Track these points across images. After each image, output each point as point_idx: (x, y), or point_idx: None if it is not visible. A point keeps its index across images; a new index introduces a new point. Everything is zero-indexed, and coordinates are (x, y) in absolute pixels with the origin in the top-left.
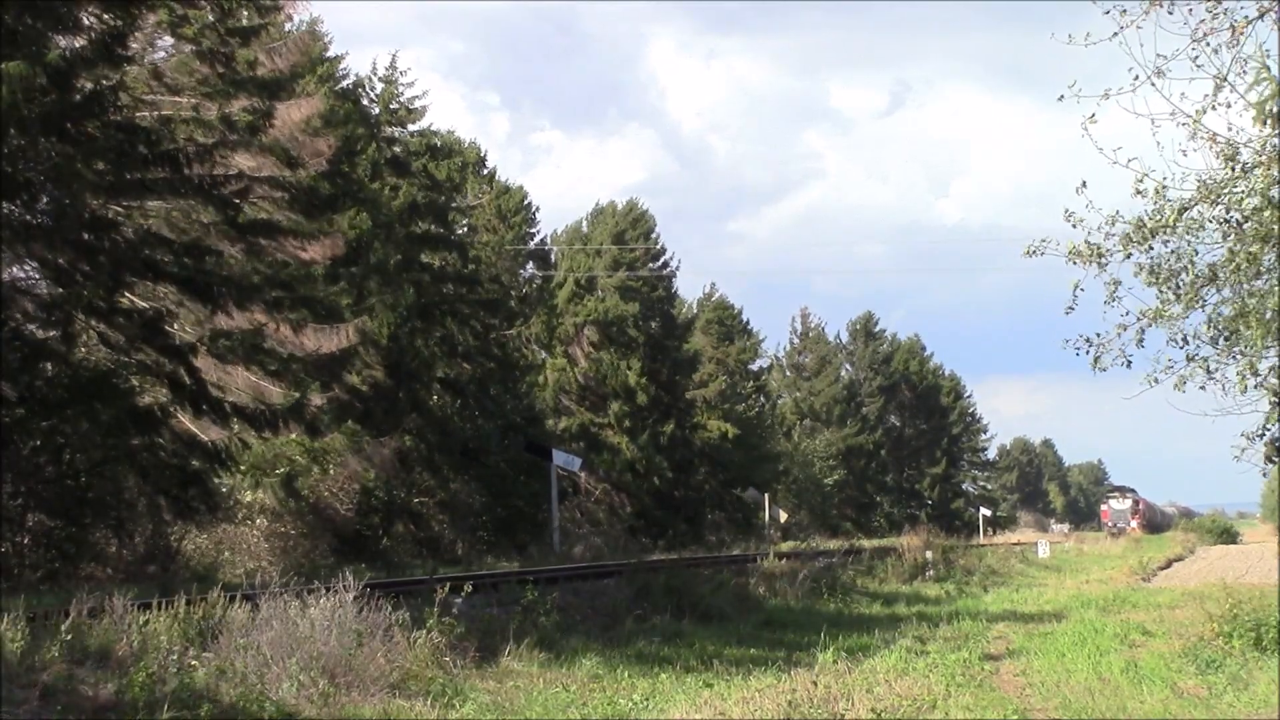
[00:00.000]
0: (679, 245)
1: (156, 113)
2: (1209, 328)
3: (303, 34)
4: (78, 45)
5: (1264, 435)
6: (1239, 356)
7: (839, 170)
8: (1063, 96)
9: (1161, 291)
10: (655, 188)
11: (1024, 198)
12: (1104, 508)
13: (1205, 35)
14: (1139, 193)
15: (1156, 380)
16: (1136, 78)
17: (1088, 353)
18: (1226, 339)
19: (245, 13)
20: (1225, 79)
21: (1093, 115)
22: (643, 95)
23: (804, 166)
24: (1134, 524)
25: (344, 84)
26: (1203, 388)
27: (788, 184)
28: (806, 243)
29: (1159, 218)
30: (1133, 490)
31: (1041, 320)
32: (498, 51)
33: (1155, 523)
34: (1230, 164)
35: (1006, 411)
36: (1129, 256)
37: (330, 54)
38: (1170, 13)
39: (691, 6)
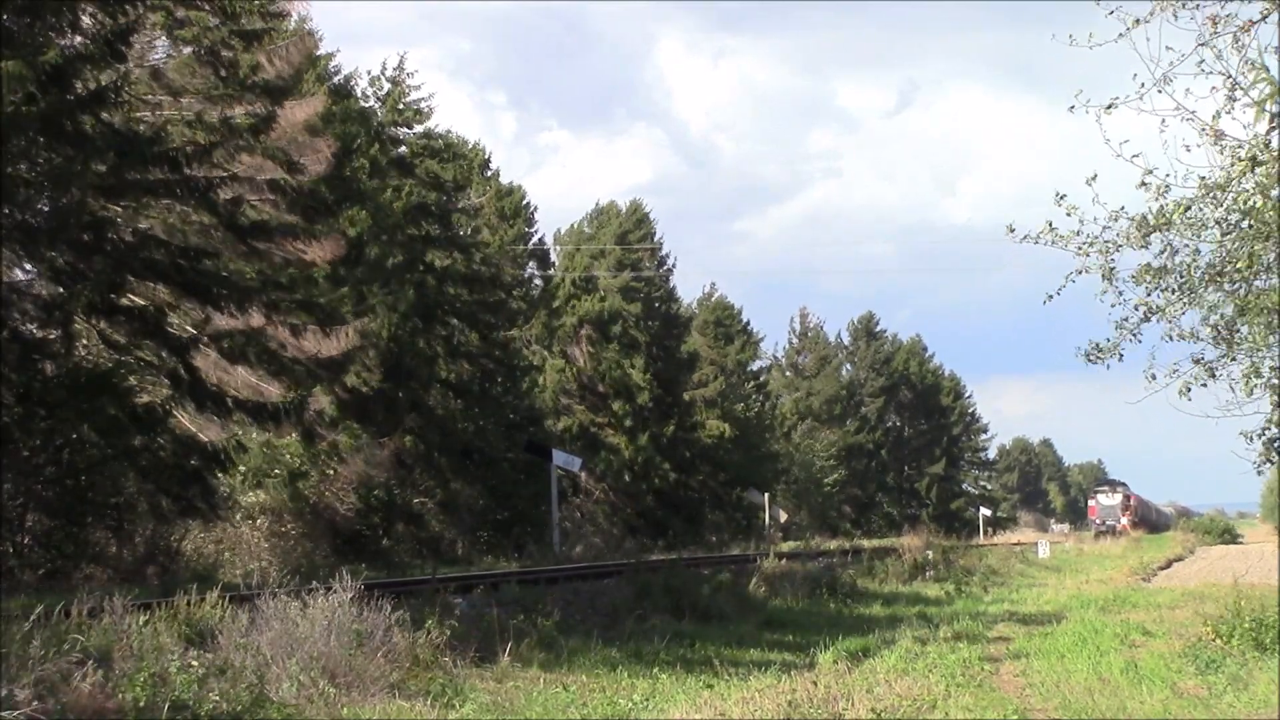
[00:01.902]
0: (686, 245)
1: (158, 114)
2: (1208, 327)
3: (303, 34)
4: (77, 43)
5: (1264, 435)
6: (1241, 357)
7: (847, 170)
8: (1072, 107)
9: (1158, 288)
10: (662, 187)
11: (1030, 197)
12: (1091, 503)
13: (1210, 38)
14: (1143, 184)
15: (1154, 376)
16: (1143, 85)
17: (1099, 359)
18: (1227, 339)
19: (246, 18)
20: (1236, 82)
21: (1108, 107)
22: (650, 95)
23: (812, 166)
24: (1125, 521)
25: (335, 79)
26: (1204, 385)
27: (795, 183)
28: (814, 242)
29: (1162, 216)
30: (1123, 484)
31: (1044, 320)
32: (505, 50)
33: (1149, 520)
34: (1239, 162)
35: (1009, 411)
36: (1119, 249)
37: (321, 51)
38: (1175, 16)
39: (699, 6)
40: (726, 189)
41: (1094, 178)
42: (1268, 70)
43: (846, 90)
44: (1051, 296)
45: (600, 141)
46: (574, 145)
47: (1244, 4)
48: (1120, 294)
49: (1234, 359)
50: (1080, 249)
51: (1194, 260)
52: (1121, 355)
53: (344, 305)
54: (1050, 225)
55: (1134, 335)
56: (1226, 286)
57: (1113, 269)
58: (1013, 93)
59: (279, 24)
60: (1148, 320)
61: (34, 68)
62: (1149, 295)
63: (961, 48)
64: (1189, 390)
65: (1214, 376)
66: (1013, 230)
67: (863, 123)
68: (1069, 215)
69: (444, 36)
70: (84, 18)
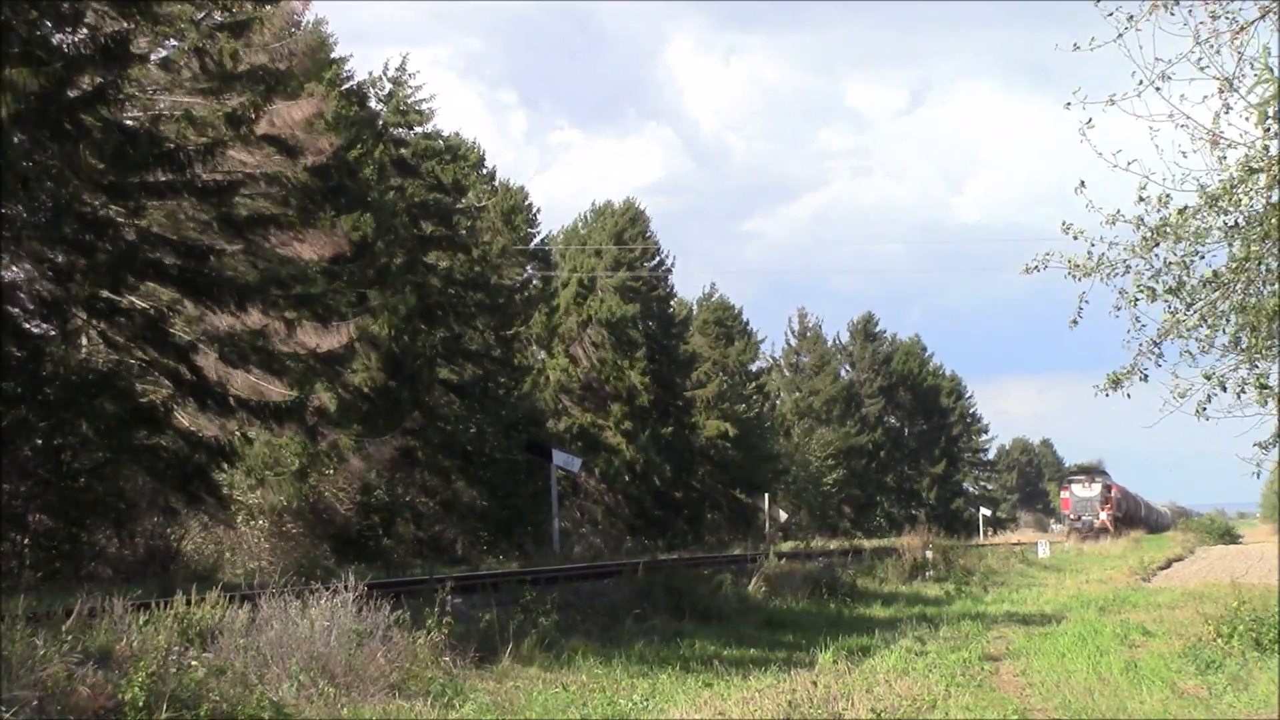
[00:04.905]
0: (696, 244)
1: (149, 111)
2: (1212, 331)
3: (308, 34)
4: (78, 41)
5: (1277, 443)
6: (1247, 364)
7: (857, 168)
8: (1069, 104)
9: (1169, 303)
10: (672, 186)
11: (1041, 197)
12: (1064, 495)
13: (1207, 38)
14: (1141, 199)
15: (1182, 394)
16: (1140, 82)
17: (1117, 390)
18: (1235, 344)
19: (236, 6)
20: (1230, 82)
21: (1090, 120)
22: (660, 94)
23: (822, 165)
24: (1104, 516)
25: (349, 84)
26: (1211, 397)
27: (806, 182)
28: (825, 241)
29: (1165, 225)
30: (1104, 473)
31: (1051, 320)
32: (515, 50)
33: (1136, 517)
34: (1241, 168)
35: (1016, 411)
36: (1128, 271)
37: (336, 55)
38: (1171, 13)
39: (710, 4)
40: (737, 188)
41: (1082, 185)
42: (1271, 71)
43: (858, 89)
44: (1075, 322)
45: (611, 141)
46: (585, 144)
47: (1242, 6)
48: (1138, 320)
49: (1243, 366)
50: (1087, 272)
51: (1193, 266)
52: (1145, 376)
53: (342, 300)
54: (1069, 264)
55: (1156, 358)
56: (1229, 292)
57: (1127, 293)
58: (1024, 91)
59: (263, 12)
60: (1168, 339)
61: (37, 72)
62: (1168, 309)
63: (973, 46)
64: (1204, 409)
65: (1224, 389)
66: (1028, 270)
67: (874, 122)
68: (1075, 239)
69: (455, 36)
70: (90, 15)
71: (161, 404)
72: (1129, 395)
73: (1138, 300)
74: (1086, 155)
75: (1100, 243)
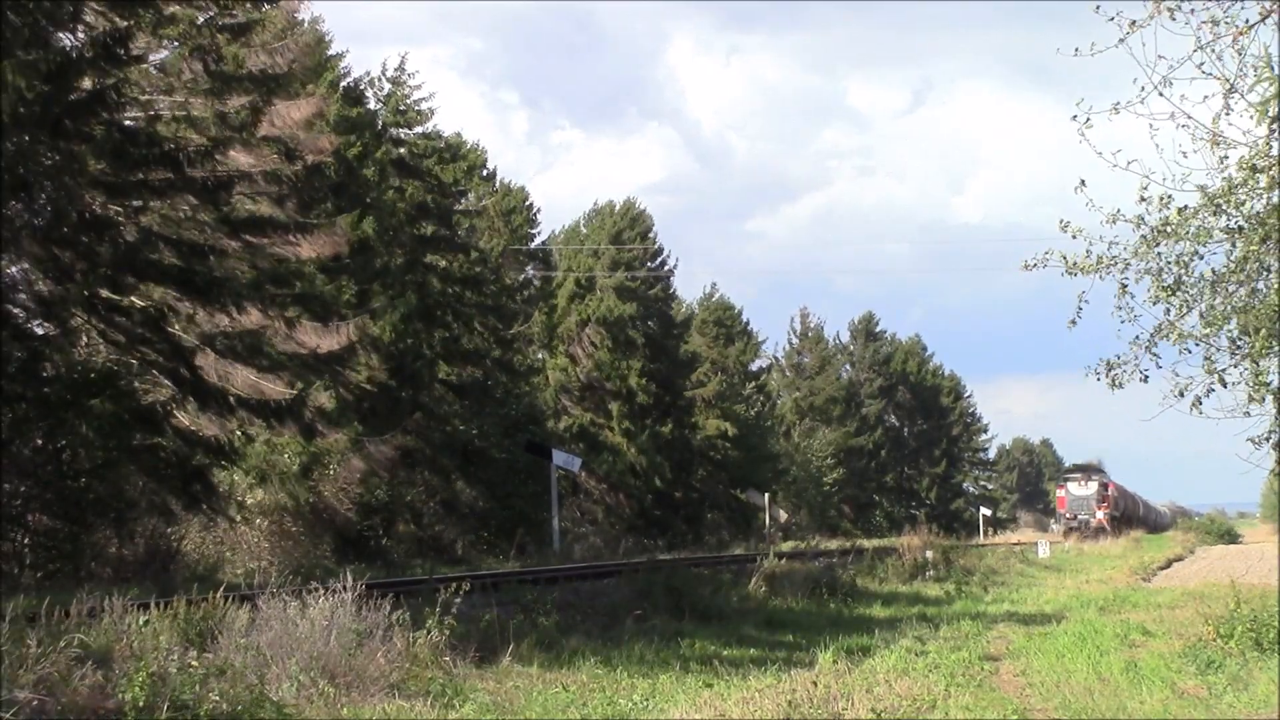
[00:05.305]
0: (698, 244)
1: (150, 111)
2: (1208, 328)
3: (305, 33)
4: (78, 42)
5: (1270, 438)
6: (1246, 363)
7: (859, 168)
8: (1075, 116)
9: (1169, 302)
10: (674, 186)
11: (1041, 197)
12: (1060, 493)
13: (1209, 41)
14: (1143, 199)
15: (1181, 393)
16: (1143, 88)
17: (1109, 375)
18: (1234, 343)
19: (238, 8)
20: (1232, 85)
21: (1088, 120)
22: (661, 94)
23: (823, 165)
24: (1101, 515)
25: (346, 82)
26: (1210, 391)
27: (807, 182)
28: (827, 241)
29: (1166, 225)
30: (1100, 470)
31: (1051, 320)
32: (516, 49)
33: (1134, 516)
34: (1243, 167)
35: (1016, 411)
36: (1127, 268)
37: (332, 52)
38: (1173, 18)
39: (711, 4)
40: (739, 188)
41: (1082, 184)
42: (1272, 70)
43: (859, 89)
44: (1074, 322)
45: (612, 141)
46: (586, 144)
47: (1242, 7)
48: (1133, 312)
49: (1241, 364)
50: (1085, 270)
51: (1193, 266)
52: (1146, 378)
53: (342, 299)
54: (1068, 263)
55: (1152, 354)
56: (1231, 288)
57: (1125, 287)
58: (1024, 91)
59: (268, 15)
60: (1166, 338)
61: (35, 68)
62: (1167, 309)
63: (973, 46)
64: (1200, 403)
65: (1224, 385)
66: (1028, 266)
67: (875, 122)
68: (1074, 238)
69: (456, 36)
70: (89, 14)
71: (161, 405)
72: (1121, 385)
73: (1126, 286)
74: (1087, 155)
75: (1100, 242)
